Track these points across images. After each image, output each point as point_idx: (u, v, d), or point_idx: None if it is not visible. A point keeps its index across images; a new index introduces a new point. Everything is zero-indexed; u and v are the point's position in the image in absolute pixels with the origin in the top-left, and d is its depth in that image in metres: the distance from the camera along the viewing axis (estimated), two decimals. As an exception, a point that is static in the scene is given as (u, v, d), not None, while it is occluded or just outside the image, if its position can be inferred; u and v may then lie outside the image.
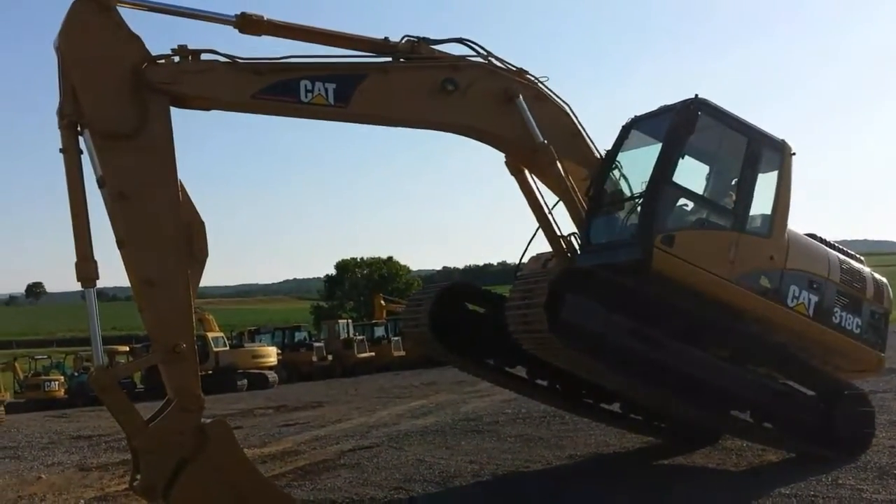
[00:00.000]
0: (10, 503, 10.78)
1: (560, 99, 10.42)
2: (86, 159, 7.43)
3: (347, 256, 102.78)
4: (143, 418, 7.31)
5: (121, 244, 7.33)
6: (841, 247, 11.42)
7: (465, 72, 9.58)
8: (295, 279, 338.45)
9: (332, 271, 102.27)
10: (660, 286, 9.35)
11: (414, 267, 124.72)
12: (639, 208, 9.74)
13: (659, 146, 9.81)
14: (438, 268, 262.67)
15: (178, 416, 7.27)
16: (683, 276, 9.35)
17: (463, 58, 9.68)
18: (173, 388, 7.36)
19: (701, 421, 10.81)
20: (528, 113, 9.83)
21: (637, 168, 10.22)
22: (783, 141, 10.37)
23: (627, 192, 10.30)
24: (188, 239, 7.63)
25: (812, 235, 11.17)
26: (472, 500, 9.62)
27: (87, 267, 7.23)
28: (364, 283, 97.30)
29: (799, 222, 10.65)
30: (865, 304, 10.93)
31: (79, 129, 7.38)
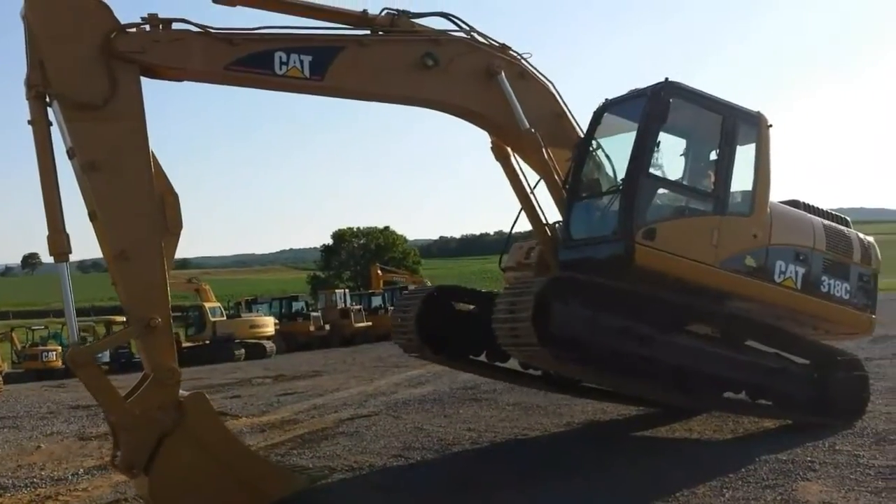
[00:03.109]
0: (10, 472, 10.77)
1: (544, 77, 10.30)
2: (55, 131, 7.29)
3: (344, 226, 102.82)
4: (120, 394, 7.25)
5: (92, 217, 7.24)
6: (824, 209, 11.33)
7: (446, 47, 9.41)
8: (291, 249, 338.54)
9: (329, 241, 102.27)
10: (644, 279, 9.30)
11: (411, 236, 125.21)
12: (617, 202, 9.60)
13: (633, 133, 9.63)
14: (435, 237, 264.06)
15: (155, 391, 7.20)
16: (667, 268, 9.30)
17: (444, 32, 9.52)
18: (149, 362, 7.29)
19: (696, 406, 10.91)
20: (511, 91, 9.69)
21: (613, 155, 10.13)
22: (759, 113, 10.19)
23: (605, 183, 10.20)
24: (161, 211, 7.51)
25: (794, 202, 11.07)
26: (470, 466, 9.65)
27: (59, 240, 7.09)
28: (361, 253, 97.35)
29: (791, 191, 10.56)
30: (853, 268, 10.90)
31: (47, 99, 7.21)
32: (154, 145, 7.50)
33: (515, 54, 10.06)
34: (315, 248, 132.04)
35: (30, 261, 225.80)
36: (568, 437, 11.17)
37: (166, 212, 7.57)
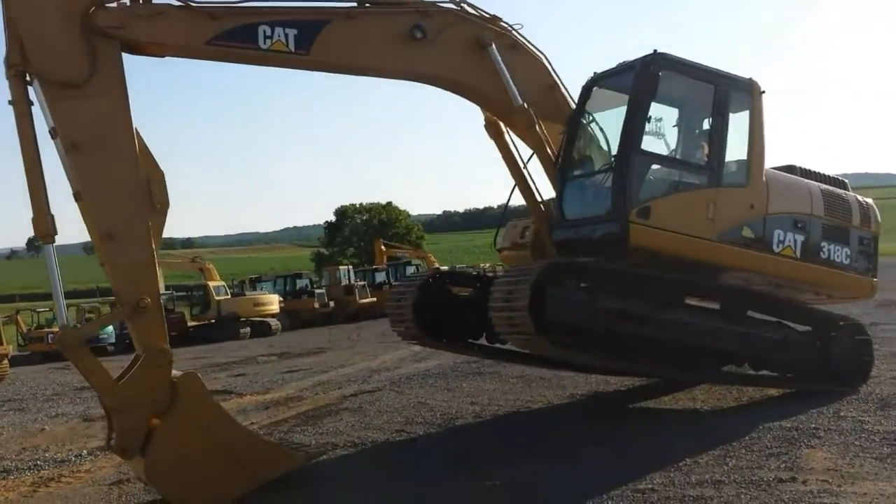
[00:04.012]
0: (14, 454, 10.79)
1: (536, 49, 10.11)
2: (37, 110, 7.15)
3: (346, 202, 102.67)
4: (111, 376, 7.16)
5: (77, 197, 7.15)
6: (822, 173, 11.16)
7: (435, 18, 9.22)
8: (295, 227, 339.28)
9: (332, 218, 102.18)
10: (640, 258, 9.21)
11: (414, 212, 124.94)
12: (609, 180, 9.45)
13: (623, 108, 9.48)
14: (438, 212, 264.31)
15: (146, 372, 7.12)
16: (663, 245, 9.18)
17: (433, 3, 9.32)
18: (140, 343, 7.22)
19: (699, 381, 10.87)
20: (502, 63, 9.52)
21: (604, 130, 9.98)
22: (751, 80, 10.01)
23: (597, 160, 10.04)
24: (147, 190, 7.38)
25: (791, 167, 10.91)
26: (472, 441, 9.63)
27: (44, 222, 6.98)
28: (364, 229, 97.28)
29: (798, 157, 10.41)
30: (853, 232, 10.78)
31: (28, 78, 7.06)
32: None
33: (507, 25, 9.86)
34: (318, 225, 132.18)
35: (35, 244, 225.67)
36: (571, 408, 11.14)
37: (152, 190, 7.43)
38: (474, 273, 11.44)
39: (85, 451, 10.47)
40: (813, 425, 8.71)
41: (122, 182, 7.13)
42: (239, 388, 16.14)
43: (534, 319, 8.20)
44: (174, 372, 7.36)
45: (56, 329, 38.95)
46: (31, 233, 7.34)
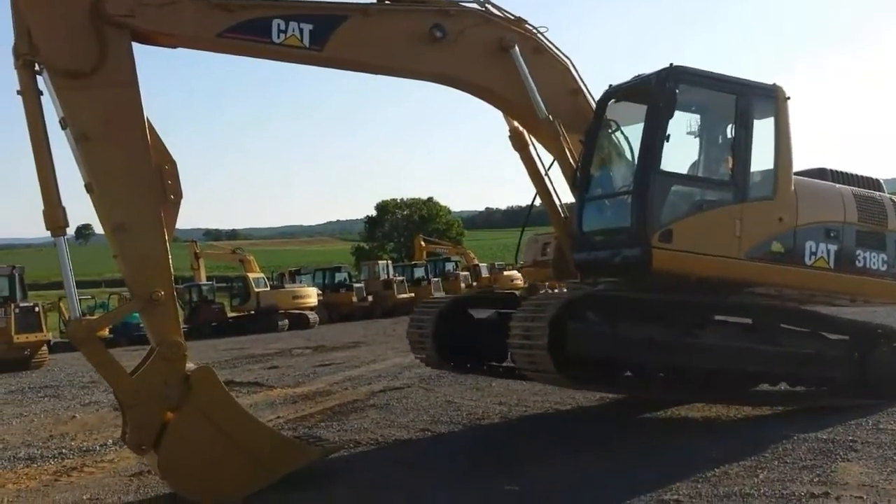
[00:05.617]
0: (41, 442, 10.85)
1: (561, 52, 9.80)
2: (47, 101, 7.05)
3: (388, 197, 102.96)
4: (124, 370, 7.07)
5: (88, 188, 7.04)
6: (854, 174, 10.62)
7: (457, 18, 8.96)
8: (339, 220, 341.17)
9: (373, 212, 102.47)
10: (664, 282, 8.92)
11: (456, 208, 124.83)
12: (628, 202, 9.10)
13: (640, 124, 9.11)
14: (481, 209, 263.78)
15: (160, 366, 7.01)
16: (688, 268, 8.82)
17: (455, 3, 9.04)
18: (154, 337, 7.11)
19: (731, 404, 10.48)
20: (525, 67, 9.24)
21: (622, 146, 9.65)
22: (775, 86, 9.49)
23: (616, 178, 9.71)
24: (159, 180, 7.24)
25: (821, 171, 10.43)
26: (496, 441, 9.47)
27: (54, 214, 6.90)
28: (404, 224, 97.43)
29: (831, 161, 9.89)
30: (889, 236, 10.26)
31: (37, 68, 6.95)
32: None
33: (531, 28, 9.57)
34: (361, 220, 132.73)
35: (84, 231, 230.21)
36: (600, 411, 10.91)
37: (165, 181, 7.29)
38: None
39: (111, 441, 10.47)
40: (850, 437, 8.40)
41: (134, 173, 7.02)
42: (270, 380, 16.16)
43: (553, 357, 7.99)
44: (188, 365, 7.27)
45: (97, 316, 39.71)
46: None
